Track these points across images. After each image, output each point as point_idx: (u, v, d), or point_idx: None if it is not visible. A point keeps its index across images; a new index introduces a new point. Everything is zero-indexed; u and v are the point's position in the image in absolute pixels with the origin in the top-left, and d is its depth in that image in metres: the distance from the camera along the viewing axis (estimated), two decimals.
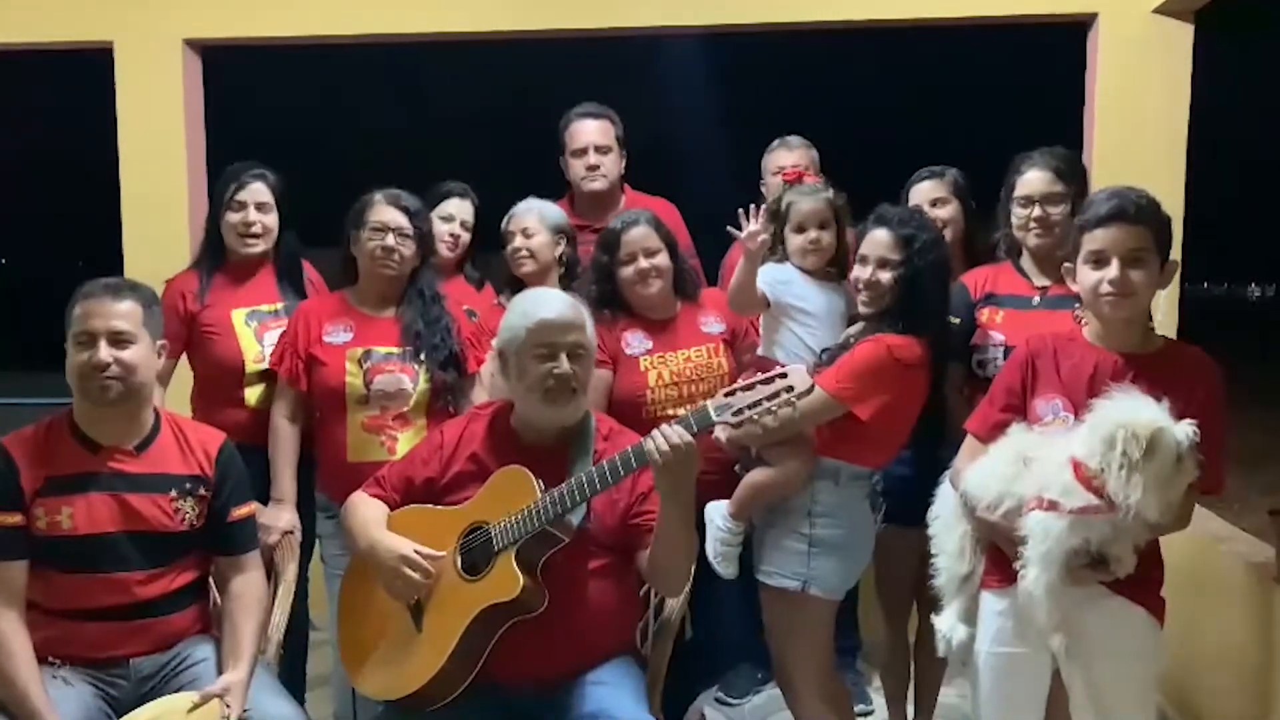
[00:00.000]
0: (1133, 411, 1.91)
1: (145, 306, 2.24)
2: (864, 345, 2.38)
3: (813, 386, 2.05)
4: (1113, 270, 2.03)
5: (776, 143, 3.43)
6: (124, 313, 2.19)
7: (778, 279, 2.57)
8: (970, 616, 2.19)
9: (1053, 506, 1.97)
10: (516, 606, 2.07)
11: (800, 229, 2.57)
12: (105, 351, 2.16)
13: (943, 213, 2.93)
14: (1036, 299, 2.64)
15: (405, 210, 2.76)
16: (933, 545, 2.27)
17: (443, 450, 2.29)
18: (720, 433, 2.23)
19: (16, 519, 2.13)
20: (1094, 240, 2.06)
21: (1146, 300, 2.08)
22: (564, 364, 2.16)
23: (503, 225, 3.03)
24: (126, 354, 2.18)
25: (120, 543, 2.18)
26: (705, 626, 3.11)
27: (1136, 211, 2.04)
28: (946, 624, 2.22)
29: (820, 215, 2.57)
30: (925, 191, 2.98)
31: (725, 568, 2.49)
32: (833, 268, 2.61)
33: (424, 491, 2.27)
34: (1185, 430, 1.87)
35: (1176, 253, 2.13)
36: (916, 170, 3.04)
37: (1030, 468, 2.03)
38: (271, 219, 2.94)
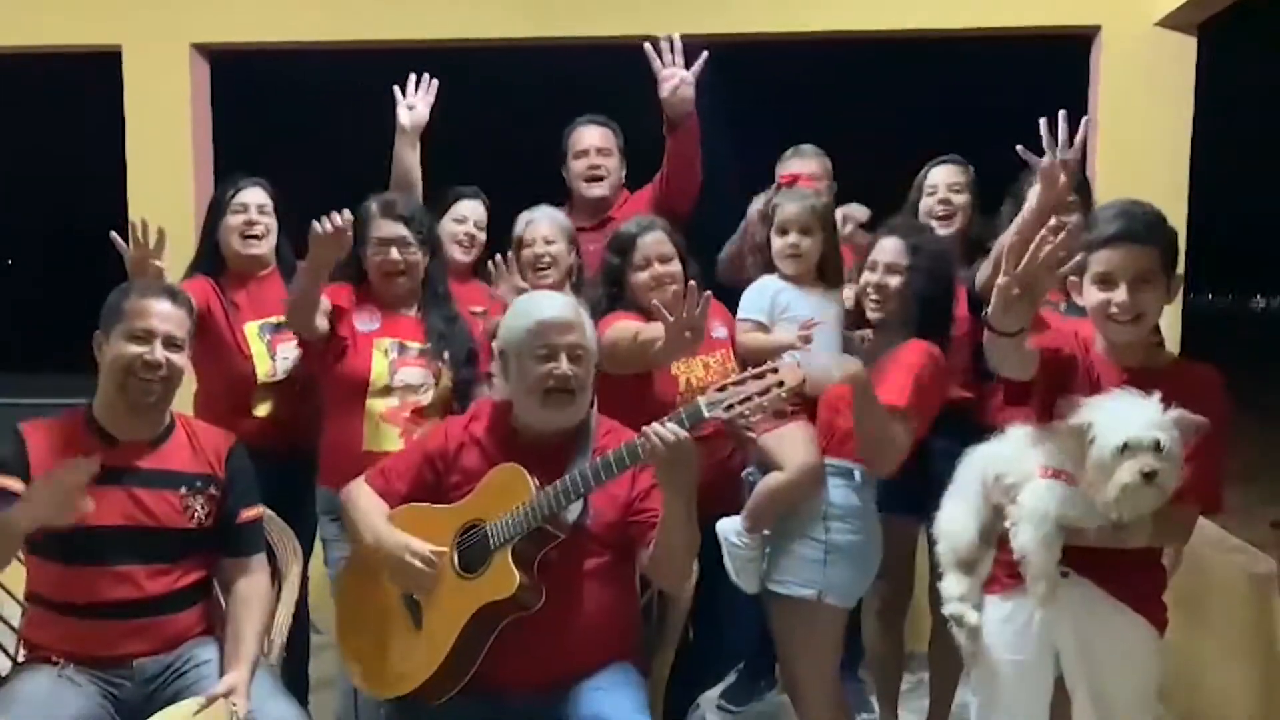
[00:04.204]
0: (1110, 410, 1.92)
1: (190, 316, 2.30)
2: (910, 354, 2.38)
3: (804, 380, 2.05)
4: (1120, 293, 1.98)
5: (790, 151, 3.42)
6: (179, 319, 2.25)
7: (758, 303, 2.60)
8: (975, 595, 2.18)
9: (1057, 475, 1.99)
10: (513, 604, 2.08)
11: (783, 231, 2.59)
12: (160, 351, 2.20)
13: (959, 199, 2.97)
14: (1063, 305, 2.65)
15: (403, 219, 2.74)
16: (937, 526, 2.26)
17: (447, 446, 2.30)
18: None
19: (15, 484, 2.14)
20: (1100, 261, 2.00)
21: (1154, 320, 2.05)
22: (564, 364, 2.18)
23: (518, 230, 3.02)
24: (176, 358, 2.24)
25: (128, 537, 2.19)
26: (707, 632, 3.11)
27: (1145, 231, 1.99)
28: (957, 586, 2.17)
29: (802, 220, 2.58)
30: (946, 174, 3.01)
31: (748, 584, 2.48)
32: (821, 275, 2.63)
33: (432, 487, 2.28)
34: (1118, 435, 1.87)
35: (1180, 265, 2.12)
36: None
37: (1044, 445, 2.03)
38: (271, 222, 2.95)
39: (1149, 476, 1.87)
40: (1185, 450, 1.92)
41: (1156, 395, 1.91)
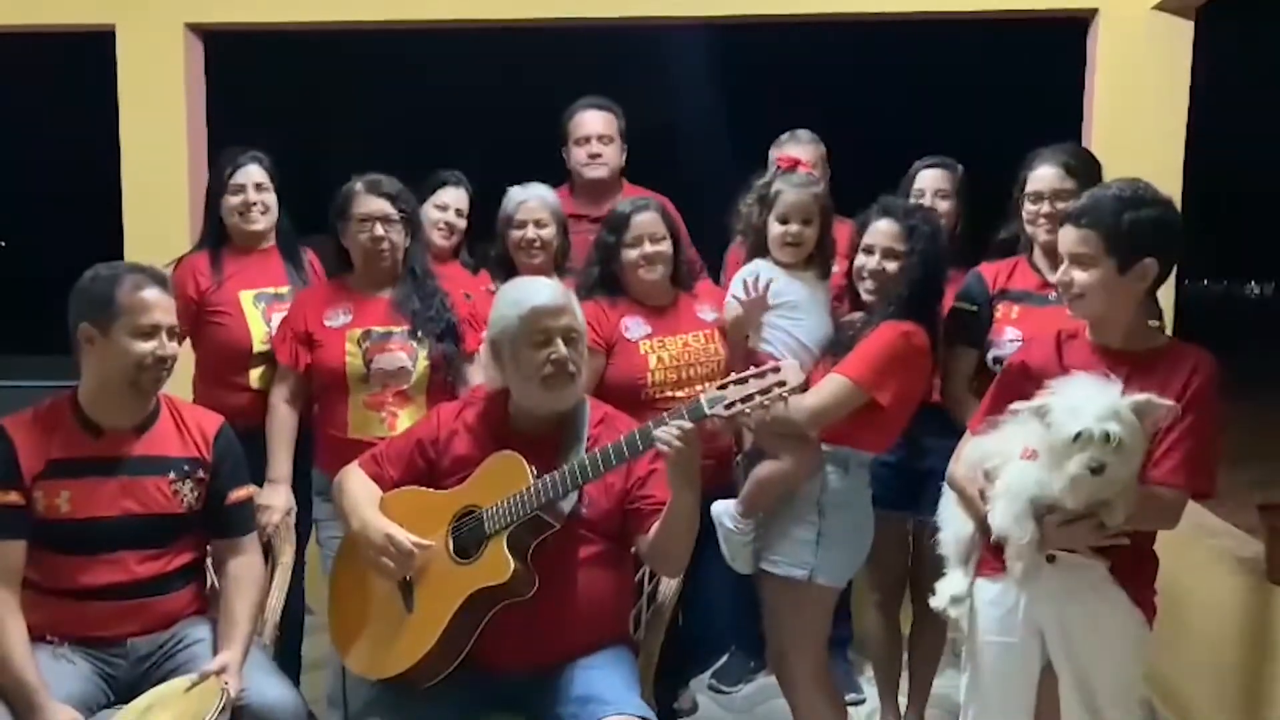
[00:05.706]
0: (1068, 396, 1.94)
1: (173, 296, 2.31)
2: (880, 332, 2.39)
3: (806, 382, 2.06)
4: (1058, 271, 2.08)
5: (785, 136, 3.42)
6: (172, 306, 2.26)
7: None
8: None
9: (1035, 455, 2.00)
10: (506, 591, 2.09)
11: (784, 219, 2.58)
12: (169, 345, 2.22)
13: (945, 205, 2.97)
14: (1052, 295, 2.65)
15: (388, 196, 2.77)
16: (939, 514, 2.27)
17: (439, 433, 2.31)
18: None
19: (14, 498, 2.15)
20: (1059, 238, 2.10)
21: (1100, 303, 2.05)
22: (560, 348, 2.18)
23: (506, 210, 3.03)
24: (178, 346, 2.26)
25: (118, 525, 2.20)
26: (697, 614, 3.13)
27: (1079, 213, 2.03)
28: (953, 585, 2.20)
29: (805, 209, 2.57)
30: (932, 179, 3.02)
31: (742, 565, 2.50)
32: (810, 261, 2.63)
33: (424, 473, 2.29)
34: (1072, 425, 1.89)
35: (1154, 250, 2.11)
36: (920, 158, 3.07)
37: (1024, 426, 2.04)
38: (270, 198, 2.99)
39: (1096, 470, 1.90)
40: (1161, 433, 1.96)
41: (1118, 381, 1.93)
